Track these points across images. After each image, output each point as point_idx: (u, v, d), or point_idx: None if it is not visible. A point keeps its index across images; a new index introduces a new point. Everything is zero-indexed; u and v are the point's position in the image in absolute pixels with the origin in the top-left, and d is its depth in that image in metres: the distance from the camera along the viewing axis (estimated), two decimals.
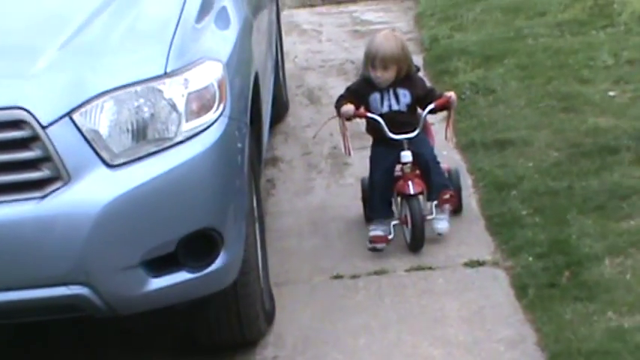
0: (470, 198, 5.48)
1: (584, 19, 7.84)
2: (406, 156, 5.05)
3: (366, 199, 5.31)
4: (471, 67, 7.18)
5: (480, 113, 6.46)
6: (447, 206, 5.15)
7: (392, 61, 5.04)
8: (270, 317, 4.50)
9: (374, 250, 5.07)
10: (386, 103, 5.11)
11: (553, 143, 5.91)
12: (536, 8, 8.22)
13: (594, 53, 7.12)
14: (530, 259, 4.81)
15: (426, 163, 5.09)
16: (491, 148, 5.95)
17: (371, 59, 5.05)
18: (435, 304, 4.61)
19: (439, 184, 5.09)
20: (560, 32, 7.66)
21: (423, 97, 5.14)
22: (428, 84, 5.34)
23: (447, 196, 5.08)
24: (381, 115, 5.09)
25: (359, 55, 5.41)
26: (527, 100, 6.55)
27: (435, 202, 5.10)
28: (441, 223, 5.11)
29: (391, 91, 5.11)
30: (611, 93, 6.50)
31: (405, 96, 5.12)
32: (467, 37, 7.85)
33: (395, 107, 5.11)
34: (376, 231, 5.10)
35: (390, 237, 5.07)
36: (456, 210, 5.30)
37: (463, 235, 5.15)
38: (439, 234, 5.09)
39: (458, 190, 5.31)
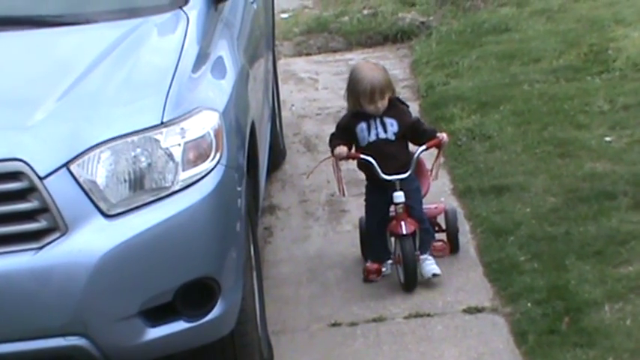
0: (468, 244, 5.47)
1: (579, 66, 7.87)
2: (399, 196, 5.09)
3: (363, 239, 5.35)
4: (467, 114, 7.20)
5: (476, 159, 6.47)
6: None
7: (387, 89, 5.12)
8: None
9: (368, 281, 5.17)
10: (373, 132, 5.15)
11: (550, 189, 5.92)
12: (531, 55, 8.25)
13: (590, 99, 7.14)
14: (529, 305, 4.79)
15: (412, 216, 5.13)
16: (488, 194, 5.95)
17: (369, 95, 5.07)
18: (434, 351, 4.59)
19: (427, 240, 5.16)
20: (555, 78, 7.68)
21: (410, 128, 5.17)
22: (413, 116, 5.40)
23: (439, 251, 5.20)
24: (369, 145, 5.13)
25: None
26: (524, 146, 6.56)
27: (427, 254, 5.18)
28: (431, 266, 5.12)
29: (378, 120, 5.14)
30: (608, 138, 6.51)
31: (392, 125, 5.15)
32: (462, 83, 7.88)
33: (382, 135, 5.14)
34: (371, 264, 5.20)
35: (383, 270, 5.15)
36: (453, 251, 5.34)
37: (461, 282, 5.14)
38: (434, 274, 5.09)
39: (454, 232, 5.35)
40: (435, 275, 5.08)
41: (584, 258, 5.12)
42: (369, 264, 5.23)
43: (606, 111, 6.93)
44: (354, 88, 5.15)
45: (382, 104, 5.10)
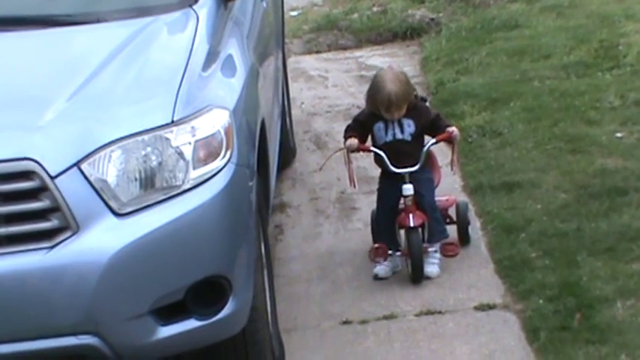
0: (479, 241, 5.47)
1: (589, 61, 7.86)
2: (407, 189, 5.13)
3: (374, 229, 5.39)
4: (477, 110, 7.19)
5: (487, 156, 6.46)
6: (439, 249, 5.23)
7: (404, 100, 5.13)
8: None
9: (375, 266, 5.18)
10: (390, 132, 5.19)
11: (561, 185, 5.91)
12: (541, 51, 8.24)
13: (601, 95, 7.13)
14: (541, 301, 4.79)
15: (422, 206, 5.15)
16: (499, 191, 5.95)
17: (386, 106, 5.10)
18: (445, 348, 4.59)
19: (436, 231, 5.19)
20: (566, 74, 7.67)
21: (428, 126, 5.21)
22: (433, 111, 5.41)
23: (450, 253, 5.20)
24: (385, 144, 5.17)
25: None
26: (535, 142, 6.55)
27: (435, 247, 5.18)
28: (432, 267, 5.16)
29: (395, 121, 5.16)
30: (619, 134, 6.50)
31: (409, 126, 5.18)
32: (473, 80, 7.87)
33: (399, 136, 5.18)
34: (378, 245, 5.22)
35: (390, 252, 5.16)
36: (463, 243, 5.36)
37: (473, 279, 5.14)
38: (428, 277, 5.11)
39: (465, 224, 5.36)
40: (428, 278, 5.11)
41: (596, 254, 5.11)
42: (376, 245, 5.22)
43: (617, 107, 6.92)
44: (373, 96, 5.18)
45: (399, 114, 5.14)
